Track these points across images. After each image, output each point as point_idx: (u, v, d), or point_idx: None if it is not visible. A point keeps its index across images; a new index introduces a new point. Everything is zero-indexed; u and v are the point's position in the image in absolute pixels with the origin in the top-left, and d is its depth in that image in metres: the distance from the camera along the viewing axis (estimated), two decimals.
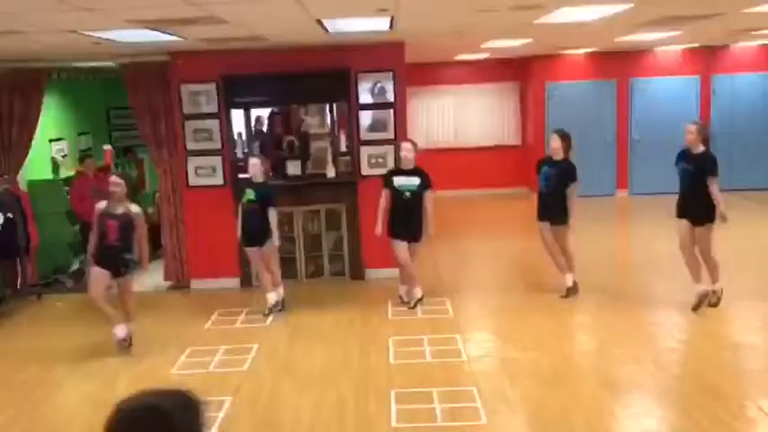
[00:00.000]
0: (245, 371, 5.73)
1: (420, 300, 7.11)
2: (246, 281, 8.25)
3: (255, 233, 6.87)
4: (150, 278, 8.78)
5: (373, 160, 8.13)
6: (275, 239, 6.92)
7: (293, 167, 8.19)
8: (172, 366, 5.90)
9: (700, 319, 6.49)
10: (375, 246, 8.19)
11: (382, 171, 8.08)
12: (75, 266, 8.89)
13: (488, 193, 13.69)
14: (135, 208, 6.16)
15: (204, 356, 6.09)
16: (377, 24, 6.11)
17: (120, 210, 6.05)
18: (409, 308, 7.05)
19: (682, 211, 6.66)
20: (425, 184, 6.91)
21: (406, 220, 6.93)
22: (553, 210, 7.07)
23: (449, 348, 5.99)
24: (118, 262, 6.06)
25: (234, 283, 8.25)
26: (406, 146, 7.05)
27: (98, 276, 6.03)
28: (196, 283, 8.29)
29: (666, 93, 13.05)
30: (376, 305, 7.21)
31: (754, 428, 4.48)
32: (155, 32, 5.78)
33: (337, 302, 7.43)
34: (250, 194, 6.86)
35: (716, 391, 4.91)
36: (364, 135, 8.13)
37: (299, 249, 8.29)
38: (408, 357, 5.84)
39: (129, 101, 8.15)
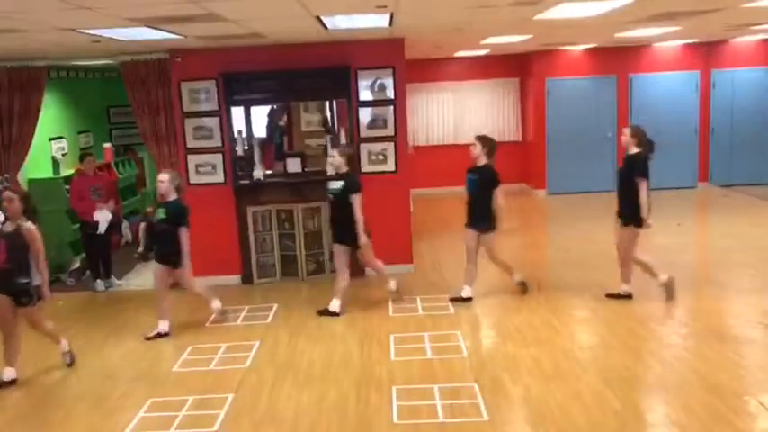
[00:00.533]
0: (247, 368, 5.74)
1: (334, 313, 6.86)
2: (247, 278, 8.27)
3: (167, 253, 6.50)
4: (151, 276, 8.81)
5: (373, 157, 8.14)
6: (186, 262, 6.51)
7: (293, 165, 8.19)
8: (173, 364, 5.91)
9: (699, 315, 6.50)
10: (375, 243, 8.20)
11: (382, 168, 8.12)
12: (75, 265, 8.91)
13: None
14: (28, 225, 5.53)
15: (205, 354, 6.10)
16: (376, 21, 6.11)
17: (10, 228, 5.51)
18: (320, 312, 6.92)
19: (618, 212, 6.83)
20: (349, 188, 6.72)
21: (335, 222, 6.92)
22: (478, 218, 6.95)
23: (449, 345, 6.00)
24: (13, 288, 5.48)
25: (235, 280, 8.27)
26: (330, 152, 6.99)
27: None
28: (197, 281, 8.28)
29: (666, 88, 13.04)
30: (376, 302, 7.21)
31: (754, 423, 4.49)
32: (154, 30, 5.79)
33: None
34: (160, 213, 6.53)
35: (716, 386, 4.92)
36: (364, 132, 8.14)
37: (300, 247, 8.29)
38: (409, 354, 5.85)
39: (129, 99, 8.15)
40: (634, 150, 6.66)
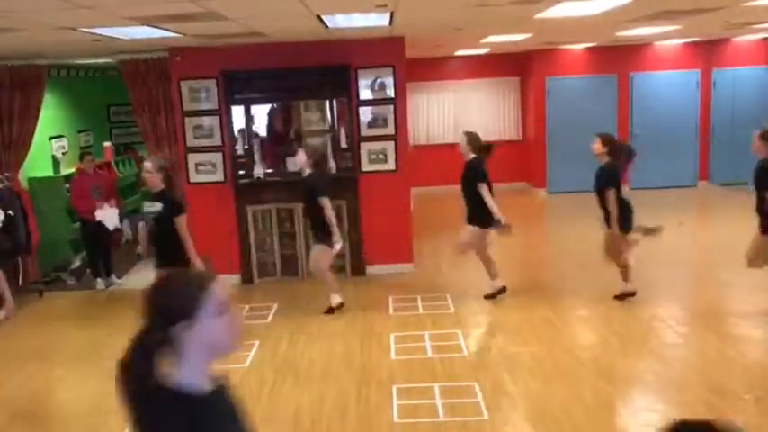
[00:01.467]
0: (247, 368, 5.73)
1: None
2: (247, 278, 8.26)
3: None
4: (151, 275, 8.82)
5: (373, 156, 8.13)
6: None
7: (293, 164, 8.18)
8: None
9: (699, 313, 6.50)
10: (376, 242, 8.21)
11: (383, 167, 8.10)
12: (76, 264, 8.91)
13: None
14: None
15: None
16: (376, 20, 6.10)
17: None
18: None
19: (467, 217, 7.02)
20: (170, 210, 5.72)
21: (159, 250, 5.83)
22: (314, 228, 6.80)
23: (450, 344, 6.00)
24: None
25: (234, 279, 8.26)
26: (146, 165, 5.92)
27: None
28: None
29: (667, 87, 13.02)
30: (377, 301, 7.21)
31: (755, 422, 4.49)
32: (153, 29, 5.78)
33: None
34: None
35: (716, 384, 4.92)
36: (364, 131, 8.13)
37: (300, 246, 8.28)
38: (409, 353, 5.85)
39: (129, 97, 8.15)
40: (471, 156, 6.91)
